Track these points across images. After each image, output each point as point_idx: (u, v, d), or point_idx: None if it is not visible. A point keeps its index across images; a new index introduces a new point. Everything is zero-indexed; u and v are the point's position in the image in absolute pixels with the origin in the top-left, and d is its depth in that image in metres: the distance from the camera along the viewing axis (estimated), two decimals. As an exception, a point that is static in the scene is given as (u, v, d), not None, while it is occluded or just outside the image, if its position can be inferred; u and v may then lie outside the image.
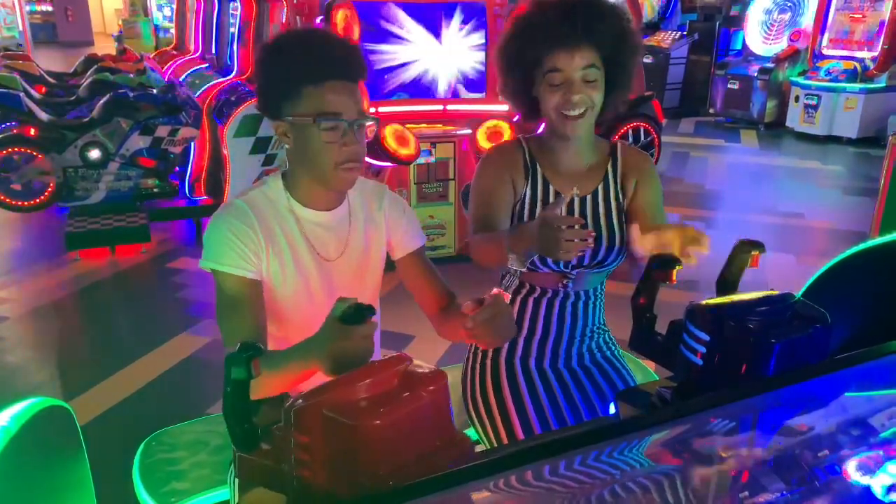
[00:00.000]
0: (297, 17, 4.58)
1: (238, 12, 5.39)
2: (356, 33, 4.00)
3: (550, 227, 1.28)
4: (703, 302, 1.17)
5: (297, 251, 1.45)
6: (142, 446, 1.79)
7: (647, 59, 9.70)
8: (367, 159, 1.67)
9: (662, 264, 1.35)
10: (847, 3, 8.63)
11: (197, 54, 7.25)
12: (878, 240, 1.61)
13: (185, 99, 5.14)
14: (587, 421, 1.65)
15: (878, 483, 0.99)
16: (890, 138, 4.26)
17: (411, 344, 3.47)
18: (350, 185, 1.44)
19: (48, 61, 11.44)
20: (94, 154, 4.79)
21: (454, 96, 4.51)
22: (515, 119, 4.25)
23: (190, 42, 7.79)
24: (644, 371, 2.02)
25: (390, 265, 1.61)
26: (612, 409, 1.57)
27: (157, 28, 13.49)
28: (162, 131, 4.92)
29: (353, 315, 1.05)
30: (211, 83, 5.52)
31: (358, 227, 1.52)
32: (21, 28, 15.56)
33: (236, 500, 1.39)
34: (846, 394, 1.28)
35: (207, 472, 1.68)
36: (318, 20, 4.31)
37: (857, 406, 1.27)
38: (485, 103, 4.52)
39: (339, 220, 1.50)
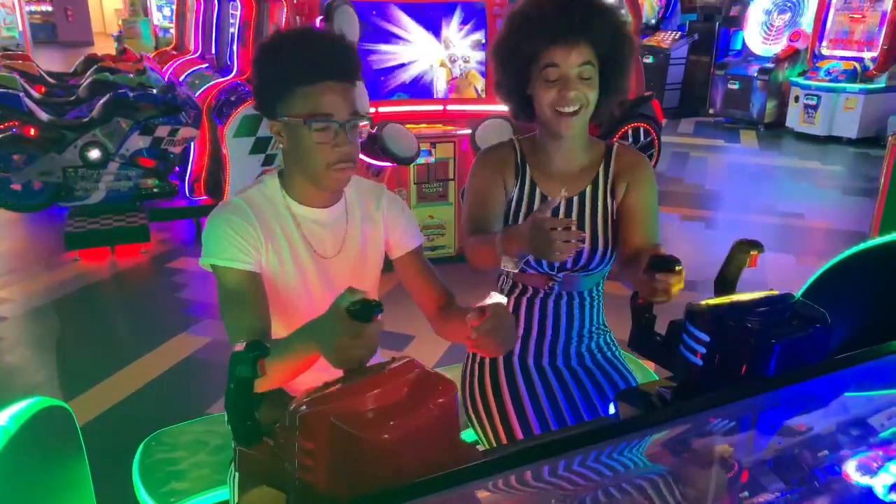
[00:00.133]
0: (297, 17, 4.57)
1: (238, 12, 5.40)
2: (356, 33, 4.00)
3: (542, 228, 1.28)
4: (703, 302, 1.17)
5: (295, 248, 1.45)
6: (141, 446, 1.79)
7: (647, 59, 9.70)
8: (367, 159, 1.67)
9: (662, 265, 1.35)
10: (847, 3, 8.63)
11: (197, 54, 7.25)
12: (878, 240, 1.61)
13: (185, 99, 5.13)
14: (587, 421, 1.65)
15: (877, 483, 0.99)
16: (890, 138, 4.25)
17: (411, 344, 3.47)
18: (343, 184, 1.45)
19: (48, 61, 11.45)
20: (94, 154, 4.78)
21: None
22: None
23: (190, 42, 7.78)
24: (644, 371, 2.02)
25: (389, 266, 1.61)
26: (611, 410, 1.57)
27: (157, 28, 13.49)
28: (162, 131, 4.92)
29: (361, 310, 1.03)
30: (211, 83, 5.52)
31: (355, 224, 1.53)
32: (21, 28, 15.54)
33: (236, 500, 1.39)
34: (846, 394, 1.27)
35: (207, 472, 1.68)
36: (317, 20, 4.31)
37: (857, 406, 1.27)
38: (485, 103, 4.52)
39: (336, 217, 1.50)
